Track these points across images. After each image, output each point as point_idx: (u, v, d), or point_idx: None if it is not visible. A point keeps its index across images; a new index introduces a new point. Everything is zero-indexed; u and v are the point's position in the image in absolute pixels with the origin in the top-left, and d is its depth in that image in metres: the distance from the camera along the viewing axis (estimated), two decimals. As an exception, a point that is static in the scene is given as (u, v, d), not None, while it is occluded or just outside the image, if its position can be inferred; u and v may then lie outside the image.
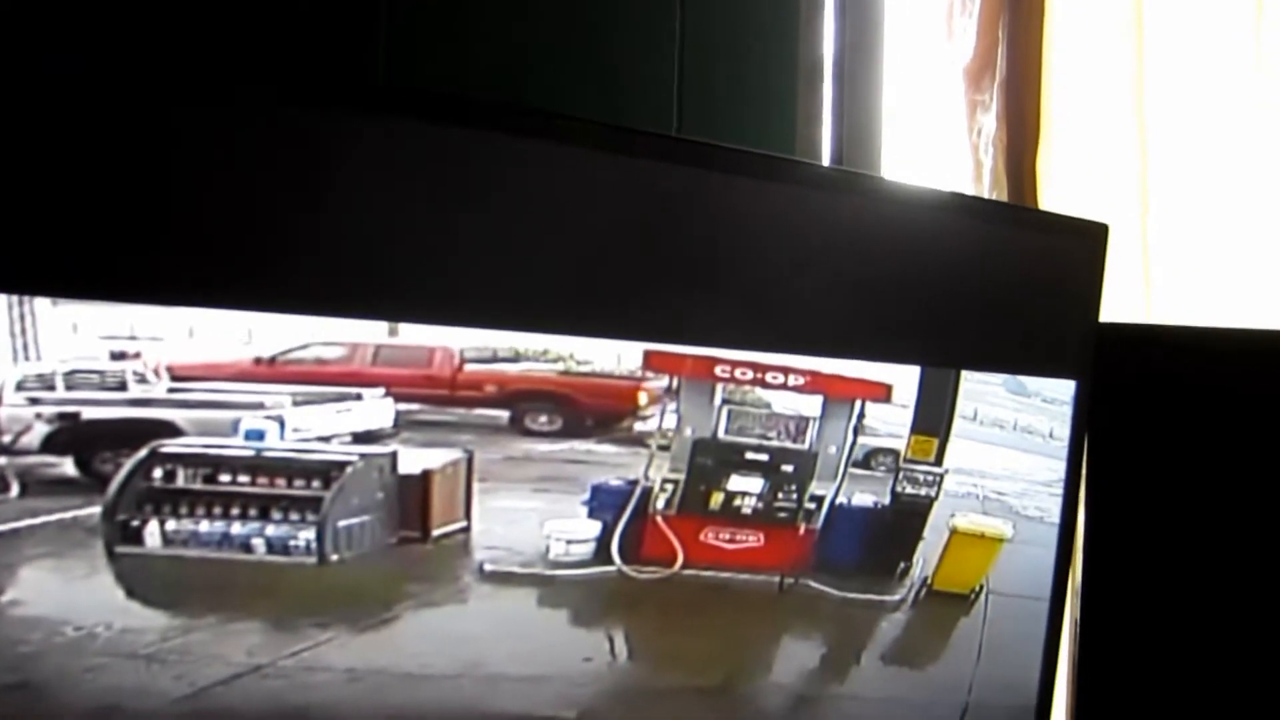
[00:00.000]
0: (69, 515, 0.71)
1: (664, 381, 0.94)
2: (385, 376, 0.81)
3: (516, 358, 0.88)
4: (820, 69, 1.56)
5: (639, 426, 0.96)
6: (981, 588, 1.23)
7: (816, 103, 1.59)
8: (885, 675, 1.17)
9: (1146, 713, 1.30)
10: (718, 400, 0.99)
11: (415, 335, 0.83)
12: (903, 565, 1.15)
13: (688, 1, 1.32)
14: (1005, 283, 1.22)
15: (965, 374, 1.17)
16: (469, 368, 0.86)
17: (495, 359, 0.88)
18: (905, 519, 1.15)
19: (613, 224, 0.88)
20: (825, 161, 1.57)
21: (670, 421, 0.97)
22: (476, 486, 0.86)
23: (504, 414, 0.89)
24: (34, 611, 0.70)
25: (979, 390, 1.19)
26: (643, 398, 0.94)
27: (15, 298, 0.64)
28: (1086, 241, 1.25)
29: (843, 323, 1.07)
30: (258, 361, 0.76)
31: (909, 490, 1.15)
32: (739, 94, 1.39)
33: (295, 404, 0.78)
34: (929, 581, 1.17)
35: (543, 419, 0.91)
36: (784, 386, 1.01)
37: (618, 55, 1.25)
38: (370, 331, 0.81)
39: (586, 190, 0.86)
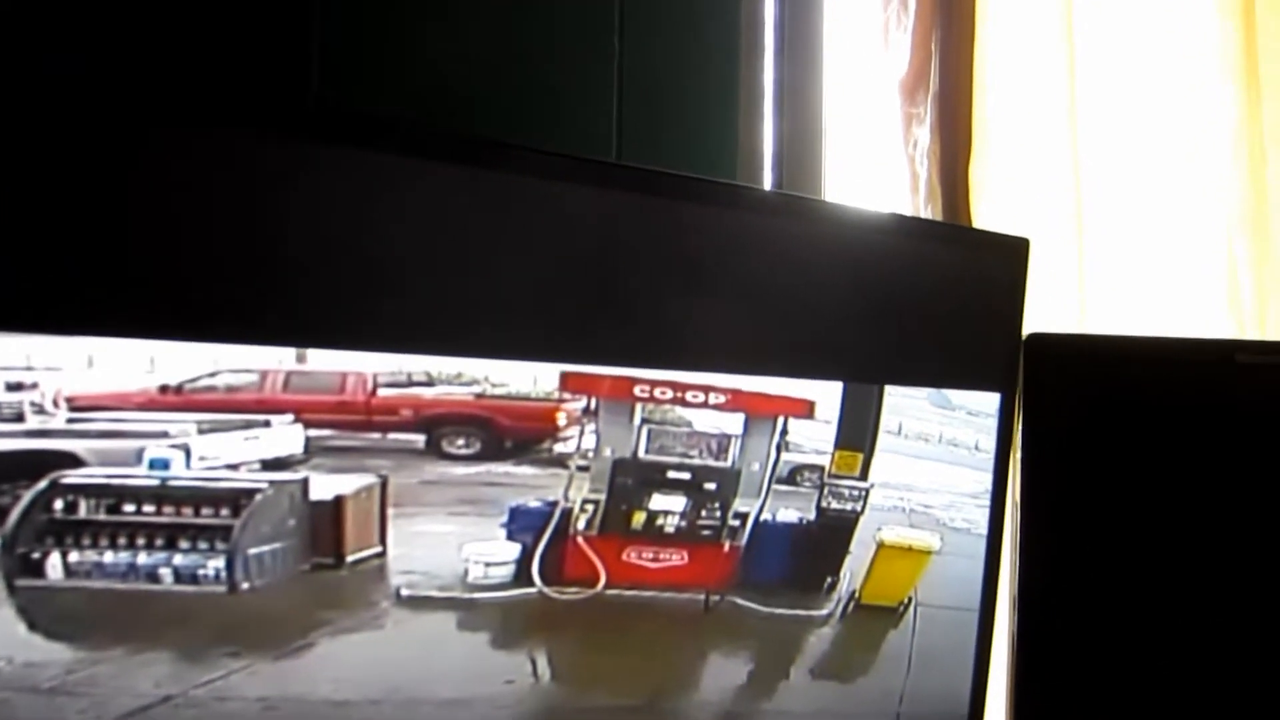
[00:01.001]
0: (-35, 550, 0.70)
1: (583, 402, 0.95)
2: (297, 403, 0.81)
3: (431, 381, 0.89)
4: (760, 91, 1.58)
5: (558, 448, 0.97)
6: (910, 600, 1.25)
7: (757, 123, 1.61)
8: (814, 689, 1.18)
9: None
10: (637, 420, 1.00)
11: (327, 361, 0.83)
12: (829, 580, 1.17)
13: (626, 24, 1.34)
14: (929, 298, 1.25)
15: (889, 389, 1.19)
16: (383, 392, 0.86)
17: (410, 383, 0.88)
18: (831, 534, 1.17)
19: (527, 245, 0.89)
20: (767, 182, 1.59)
21: (590, 442, 0.98)
22: (391, 511, 0.86)
23: (420, 438, 0.89)
24: (-69, 647, 0.69)
25: (903, 405, 1.21)
26: (561, 419, 0.95)
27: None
28: (1009, 256, 1.28)
29: (765, 340, 1.09)
30: (164, 390, 0.76)
31: (834, 505, 1.17)
32: (678, 117, 1.41)
33: (201, 432, 0.78)
34: (857, 595, 1.19)
35: (460, 442, 0.91)
36: (705, 405, 1.03)
37: (555, 79, 1.27)
38: (280, 358, 0.81)
39: (503, 212, 0.87)
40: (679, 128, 1.41)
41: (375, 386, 0.85)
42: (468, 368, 0.89)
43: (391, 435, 0.86)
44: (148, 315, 0.70)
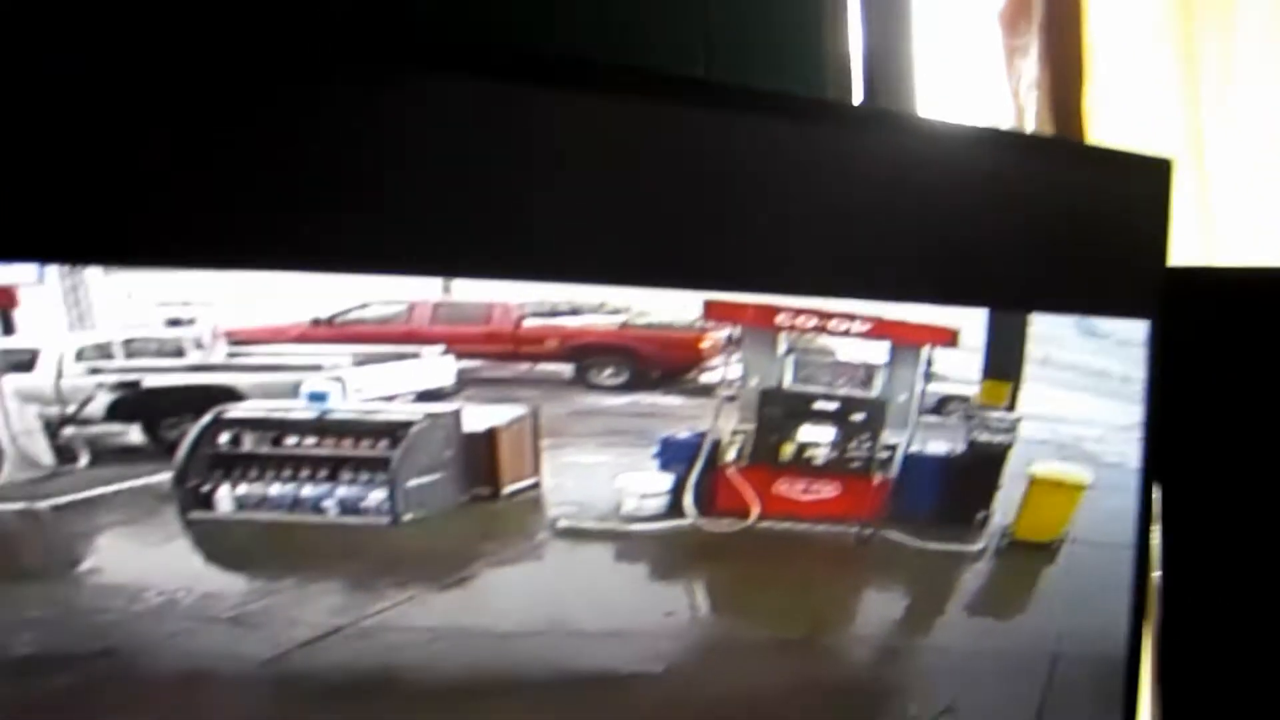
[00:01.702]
0: (140, 482, 0.68)
1: (726, 331, 0.89)
2: (445, 334, 0.77)
3: (576, 311, 0.84)
4: (847, 10, 1.48)
5: (705, 378, 0.91)
6: (1064, 536, 1.15)
7: (844, 37, 1.50)
8: (971, 626, 1.10)
9: (1231, 662, 1.21)
10: (782, 349, 0.93)
11: (473, 292, 0.79)
12: (982, 514, 1.08)
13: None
14: (1072, 222, 1.14)
15: (1035, 317, 1.09)
16: (529, 322, 0.81)
17: (555, 313, 0.83)
18: (981, 467, 1.08)
19: (667, 171, 0.82)
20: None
21: (736, 372, 0.91)
22: (543, 442, 0.81)
23: (567, 368, 0.84)
24: (114, 579, 0.67)
25: (1050, 334, 1.12)
26: (706, 348, 0.88)
27: (67, 267, 0.61)
28: (1152, 177, 1.17)
29: (906, 266, 1.00)
30: (315, 323, 0.72)
31: (983, 437, 1.08)
32: (765, 31, 1.32)
33: (355, 364, 0.74)
34: (1010, 531, 1.10)
35: (607, 373, 0.86)
36: (848, 333, 0.95)
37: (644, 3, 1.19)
38: (427, 289, 0.77)
39: (639, 138, 0.81)
40: (767, 42, 1.32)
41: (521, 317, 0.80)
42: (612, 296, 0.84)
43: (539, 366, 0.81)
44: (300, 248, 0.66)
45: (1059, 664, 1.18)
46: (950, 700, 1.11)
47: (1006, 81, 1.72)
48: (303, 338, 0.74)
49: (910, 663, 1.06)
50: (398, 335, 0.77)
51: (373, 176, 0.74)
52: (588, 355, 0.85)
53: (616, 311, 0.86)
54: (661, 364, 0.89)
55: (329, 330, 0.74)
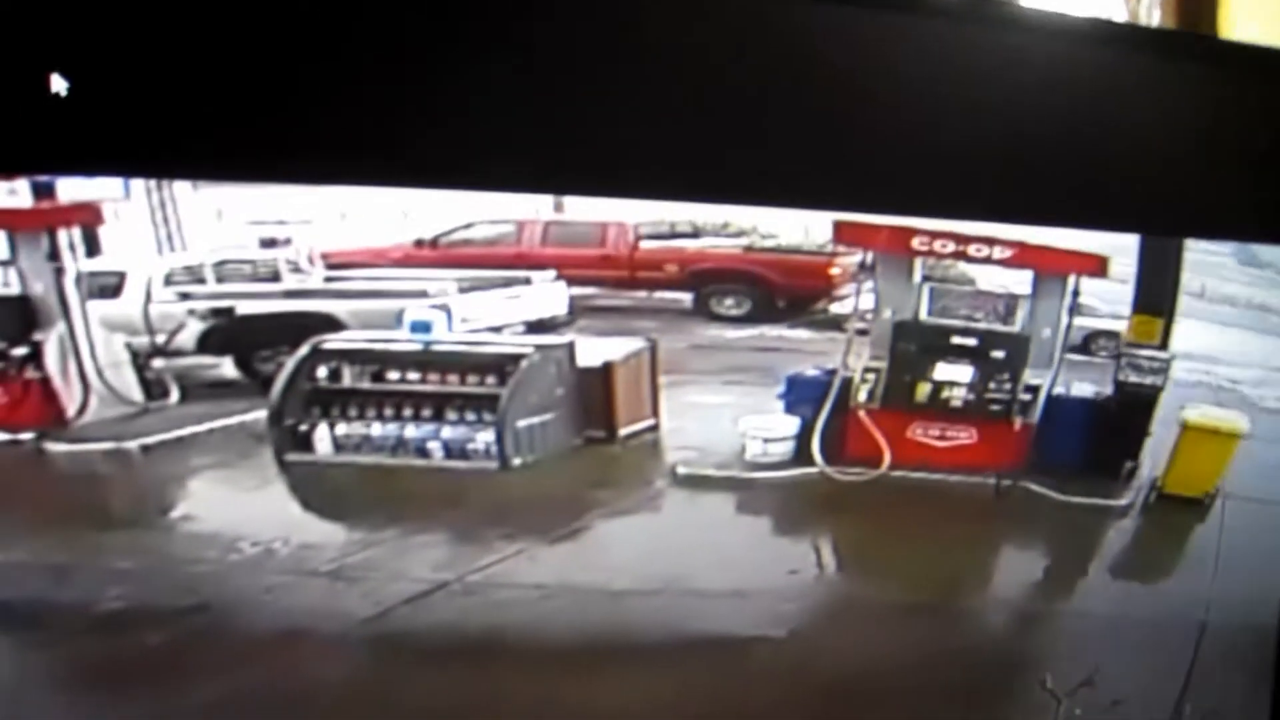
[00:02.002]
0: (234, 421, 0.64)
1: (857, 257, 0.83)
2: (557, 257, 0.72)
3: (696, 232, 0.78)
4: None
5: (834, 308, 0.85)
6: (1216, 491, 1.07)
7: None
8: (1114, 590, 1.03)
9: None
10: (917, 277, 0.87)
11: (586, 211, 0.74)
12: (1129, 465, 1.01)
13: None
14: (1233, 136, 1.04)
15: (1190, 244, 1.01)
16: (646, 244, 0.76)
17: (674, 234, 0.78)
18: (1130, 411, 1.01)
19: (791, 78, 0.75)
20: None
21: (868, 302, 0.85)
22: (663, 380, 0.76)
23: (687, 297, 0.79)
24: (207, 527, 0.64)
25: (1206, 262, 1.03)
26: (836, 275, 0.83)
27: (154, 182, 0.57)
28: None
29: (1051, 186, 0.92)
30: (418, 244, 0.68)
31: (1133, 378, 1.00)
32: None
33: (461, 291, 0.70)
34: (1159, 484, 1.02)
35: (729, 302, 0.81)
36: (989, 260, 0.89)
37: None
38: (536, 208, 0.72)
39: (759, 41, 0.74)
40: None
41: (638, 238, 0.75)
42: (735, 216, 0.78)
43: (657, 294, 0.76)
44: (401, 161, 0.60)
45: (1207, 634, 1.11)
46: (1090, 671, 1.04)
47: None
48: (405, 260, 0.69)
49: (1048, 630, 1.00)
50: (506, 258, 0.72)
51: (478, 81, 0.69)
52: (708, 282, 0.80)
53: (740, 234, 0.80)
54: (788, 292, 0.84)
55: (433, 252, 0.70)
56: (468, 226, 0.69)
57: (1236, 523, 1.08)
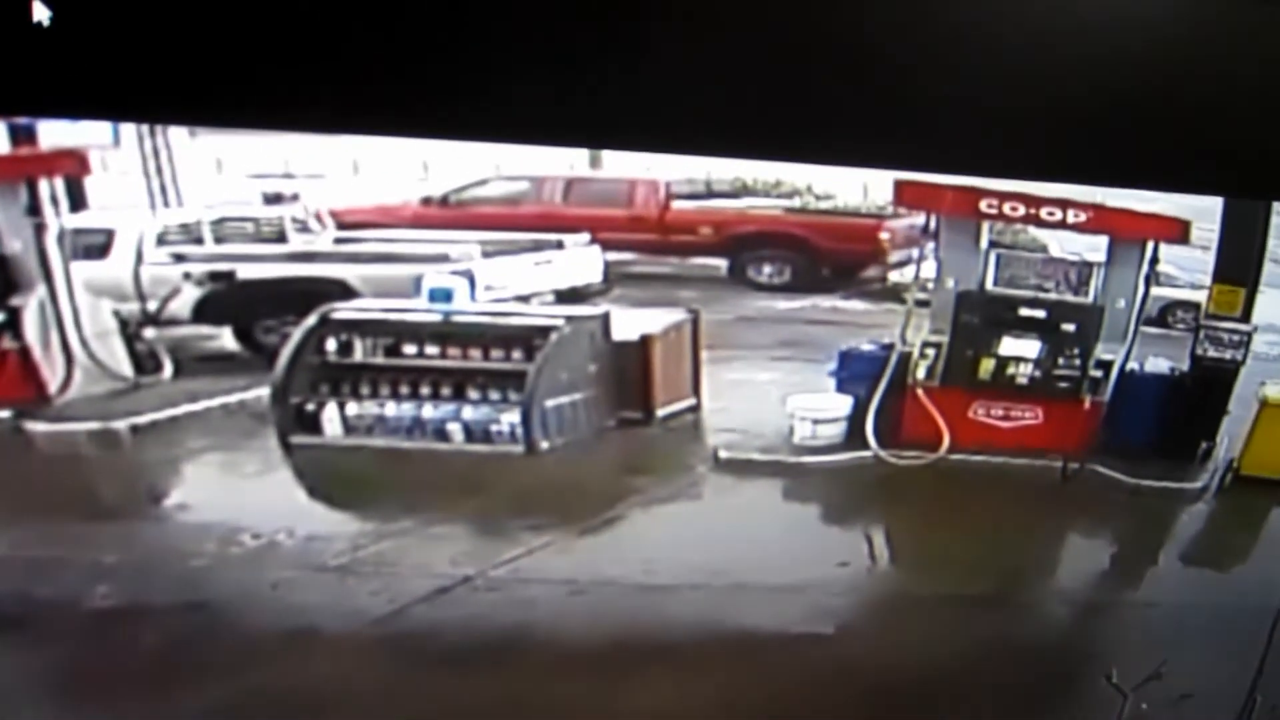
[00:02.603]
0: (233, 399, 0.61)
1: (907, 220, 0.79)
2: (580, 217, 0.68)
3: (735, 193, 0.75)
4: None
5: (892, 276, 0.82)
6: (1298, 472, 1.05)
7: None
8: (1186, 578, 1.01)
9: None
10: (984, 243, 0.83)
11: (613, 167, 0.70)
12: (1205, 445, 0.98)
13: None
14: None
15: (1276, 208, 0.97)
16: (678, 205, 0.72)
17: (710, 194, 0.74)
18: (1207, 389, 0.98)
19: (852, 33, 0.72)
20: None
21: (929, 270, 0.82)
22: (705, 355, 0.73)
23: (721, 263, 0.76)
24: (204, 517, 0.61)
25: (1292, 227, 1.00)
26: (885, 240, 0.79)
27: (146, 128, 0.53)
28: None
29: (1129, 145, 0.89)
30: (426, 202, 0.64)
31: (1212, 353, 0.97)
32: None
33: (486, 255, 0.66)
34: (1235, 465, 1.00)
35: (768, 269, 0.77)
36: (1062, 224, 0.85)
37: None
38: (558, 164, 0.68)
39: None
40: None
41: (669, 197, 0.71)
42: (784, 175, 0.74)
43: (689, 260, 0.73)
44: (417, 110, 0.57)
45: (1281, 624, 1.09)
46: (1158, 664, 1.02)
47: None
48: (414, 220, 0.66)
49: (1115, 621, 0.97)
50: (524, 218, 0.69)
51: (503, 31, 0.65)
52: (746, 246, 0.77)
53: (790, 194, 0.77)
54: (832, 258, 0.81)
55: (442, 211, 0.66)
56: (481, 183, 0.66)
57: (1317, 504, 1.06)
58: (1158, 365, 1.01)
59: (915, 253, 0.82)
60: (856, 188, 0.78)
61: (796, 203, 0.77)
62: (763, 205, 0.76)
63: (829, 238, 0.79)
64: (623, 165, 0.70)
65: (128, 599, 0.62)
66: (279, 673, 0.66)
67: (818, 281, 0.80)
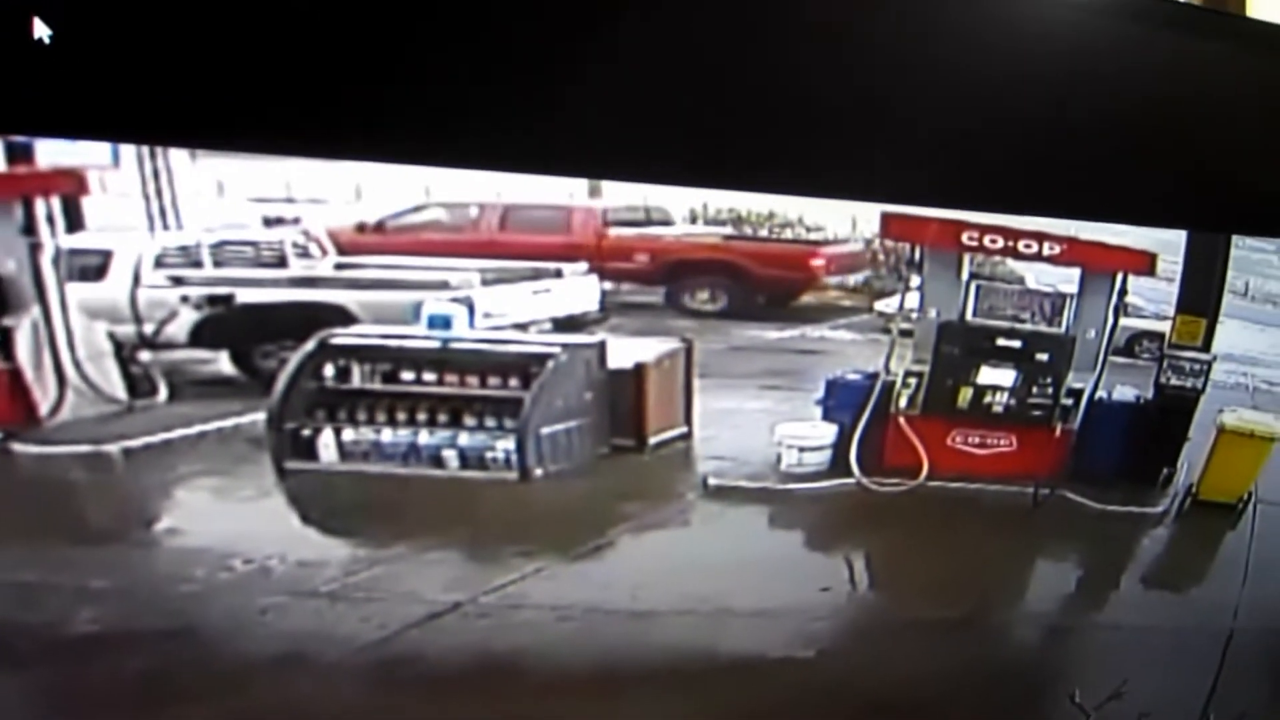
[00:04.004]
0: (229, 423, 0.59)
1: (843, 247, 0.79)
2: (517, 244, 0.67)
3: (668, 221, 0.74)
4: None
5: (879, 306, 0.82)
6: (1250, 496, 1.07)
7: None
8: (1146, 600, 1.02)
9: None
10: (965, 275, 0.84)
11: (549, 194, 0.69)
12: (1166, 471, 0.99)
13: None
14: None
15: (1236, 240, 0.99)
16: (614, 232, 0.72)
17: (647, 221, 0.73)
18: (1170, 416, 0.99)
19: (825, 63, 0.71)
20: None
21: (913, 301, 0.82)
22: (696, 383, 0.72)
23: (658, 292, 0.75)
24: (195, 542, 0.59)
25: (1250, 259, 1.02)
26: (819, 266, 0.79)
27: (146, 150, 0.51)
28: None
29: (1100, 180, 0.90)
30: (360, 228, 0.63)
31: (1175, 381, 0.99)
32: None
33: (485, 283, 0.65)
34: (1194, 490, 1.01)
35: (703, 295, 0.77)
36: (1038, 256, 0.86)
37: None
38: (495, 190, 0.67)
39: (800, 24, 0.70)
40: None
41: (606, 224, 0.71)
42: (710, 202, 0.74)
43: (624, 286, 0.72)
44: (422, 135, 0.56)
45: (1234, 640, 1.11)
46: (1119, 684, 1.04)
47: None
48: (350, 247, 0.65)
49: (1079, 642, 0.98)
50: (462, 245, 0.68)
51: (497, 49, 0.64)
52: (682, 273, 0.76)
53: (709, 221, 0.77)
54: (766, 285, 0.80)
55: (377, 237, 0.65)
56: (417, 210, 0.64)
57: (1268, 527, 1.08)
58: (1124, 393, 1.02)
59: (841, 278, 0.82)
60: (844, 218, 0.78)
61: (723, 230, 0.76)
62: (699, 233, 0.76)
63: (763, 264, 0.79)
64: (559, 192, 0.69)
65: (114, 624, 0.60)
66: (266, 697, 0.64)
67: (752, 308, 0.80)
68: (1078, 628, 0.97)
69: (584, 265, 0.62)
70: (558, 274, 0.61)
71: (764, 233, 0.72)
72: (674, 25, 0.68)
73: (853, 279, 0.76)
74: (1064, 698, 0.98)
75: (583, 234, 0.68)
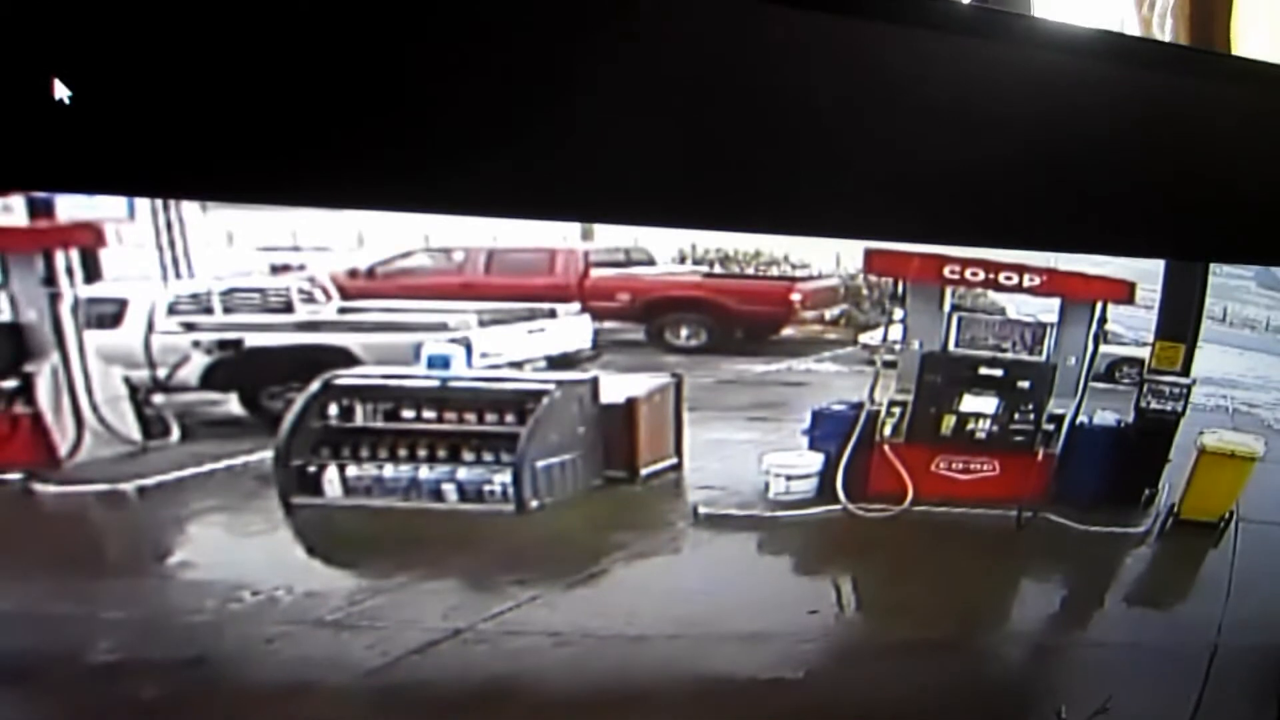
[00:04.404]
0: (238, 461, 0.62)
1: (820, 282, 0.82)
2: (501, 286, 0.70)
3: (650, 261, 0.76)
4: None
5: (863, 338, 0.84)
6: (1232, 515, 1.09)
7: None
8: (1129, 618, 1.04)
9: None
10: (947, 307, 0.86)
11: (532, 237, 0.72)
12: (1148, 492, 1.01)
13: None
14: (1257, 158, 1.04)
15: (1214, 268, 1.02)
16: (597, 273, 0.74)
17: (629, 262, 0.76)
18: (1151, 439, 1.01)
19: (806, 103, 0.74)
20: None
21: (896, 333, 0.85)
22: (686, 416, 0.75)
23: (639, 326, 0.77)
24: (206, 574, 0.61)
25: (1228, 286, 1.04)
26: (796, 301, 0.82)
27: (159, 203, 0.54)
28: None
29: (1078, 211, 0.92)
30: (352, 274, 0.65)
31: (1155, 405, 1.01)
32: None
33: (482, 324, 0.68)
34: (1176, 510, 1.03)
35: (685, 331, 0.79)
36: (1019, 287, 0.88)
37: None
38: (482, 235, 0.69)
39: (782, 64, 0.72)
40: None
41: (588, 266, 0.73)
42: (690, 243, 0.77)
43: (606, 324, 0.75)
44: (429, 185, 0.59)
45: (1218, 657, 1.12)
46: (1104, 700, 1.06)
47: (1136, 11, 1.62)
48: (350, 290, 0.67)
49: (1065, 661, 1.00)
50: (449, 288, 0.70)
51: (503, 104, 0.67)
52: (662, 311, 0.79)
53: (695, 260, 0.79)
54: (744, 321, 0.82)
55: (368, 282, 0.67)
56: (406, 255, 0.67)
57: (1249, 545, 1.10)
58: (1105, 418, 1.04)
59: (817, 313, 0.85)
60: (829, 255, 0.80)
61: (703, 269, 0.79)
62: (680, 271, 0.78)
63: (740, 301, 0.81)
64: (551, 235, 0.72)
65: (130, 652, 0.62)
66: (275, 723, 0.67)
67: (731, 343, 0.82)
68: (1062, 646, 0.99)
69: (576, 305, 0.64)
70: (551, 314, 0.64)
71: (750, 270, 0.74)
72: (661, 74, 0.71)
73: (834, 312, 0.78)
74: (1050, 714, 1.00)
75: (565, 275, 0.71)
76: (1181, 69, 1.05)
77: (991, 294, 0.88)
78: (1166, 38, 1.66)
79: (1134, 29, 1.64)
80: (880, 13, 0.83)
